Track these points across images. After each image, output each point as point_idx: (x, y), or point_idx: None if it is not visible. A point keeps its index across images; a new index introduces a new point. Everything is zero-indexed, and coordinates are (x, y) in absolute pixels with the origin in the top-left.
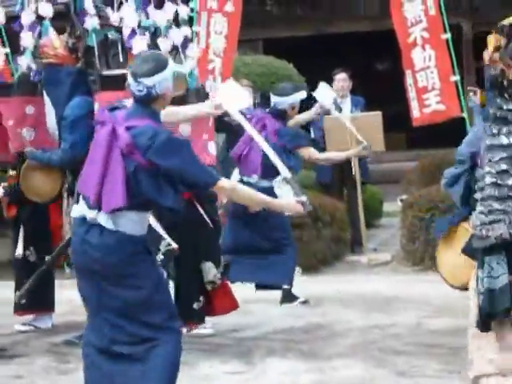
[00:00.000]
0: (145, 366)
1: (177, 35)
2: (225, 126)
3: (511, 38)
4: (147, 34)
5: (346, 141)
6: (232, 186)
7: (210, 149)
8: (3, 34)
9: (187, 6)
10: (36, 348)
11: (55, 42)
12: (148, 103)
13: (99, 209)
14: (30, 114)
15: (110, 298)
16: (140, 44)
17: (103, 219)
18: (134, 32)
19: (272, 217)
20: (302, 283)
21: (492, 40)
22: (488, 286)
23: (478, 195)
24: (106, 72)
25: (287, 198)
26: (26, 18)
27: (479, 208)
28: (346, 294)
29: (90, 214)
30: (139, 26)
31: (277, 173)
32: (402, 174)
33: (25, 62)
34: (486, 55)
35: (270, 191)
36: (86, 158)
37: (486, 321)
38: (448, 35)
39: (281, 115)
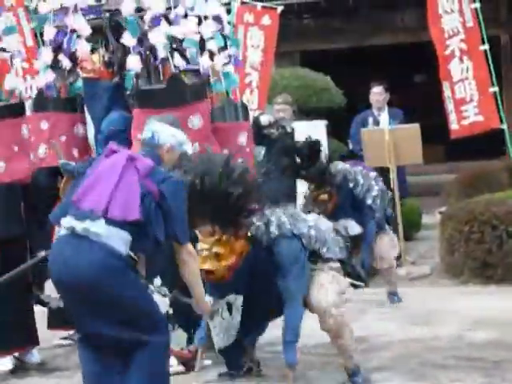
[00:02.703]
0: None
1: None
2: (263, 139)
3: None
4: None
5: (384, 155)
6: (195, 255)
7: None
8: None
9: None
10: (75, 362)
11: (94, 57)
12: (150, 147)
13: (106, 220)
14: (44, 130)
15: (98, 312)
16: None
17: (100, 228)
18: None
19: None
20: None
21: None
22: None
23: None
24: (144, 87)
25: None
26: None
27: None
28: (386, 307)
29: (87, 226)
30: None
31: None
32: (440, 187)
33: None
34: None
35: None
36: (89, 174)
37: None
38: (486, 46)
39: None
